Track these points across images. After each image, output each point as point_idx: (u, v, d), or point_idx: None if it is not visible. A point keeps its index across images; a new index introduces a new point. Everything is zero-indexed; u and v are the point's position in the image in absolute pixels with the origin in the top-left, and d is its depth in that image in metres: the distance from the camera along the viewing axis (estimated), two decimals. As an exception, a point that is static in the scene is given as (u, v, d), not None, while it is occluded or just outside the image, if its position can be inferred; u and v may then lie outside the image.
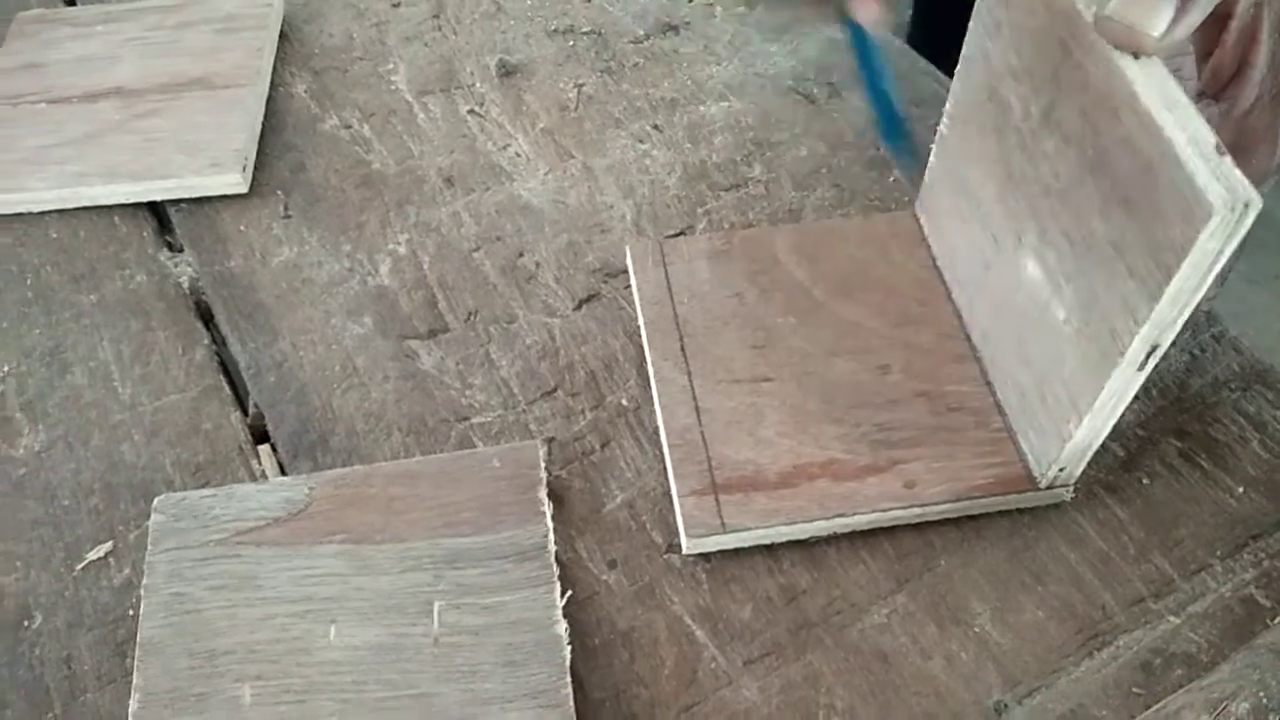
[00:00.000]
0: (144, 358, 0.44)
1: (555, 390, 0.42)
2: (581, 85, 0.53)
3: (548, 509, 0.37)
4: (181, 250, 0.48)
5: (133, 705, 0.33)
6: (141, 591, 0.36)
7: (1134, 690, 0.32)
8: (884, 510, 0.36)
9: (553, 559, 0.36)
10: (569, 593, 0.36)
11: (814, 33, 0.53)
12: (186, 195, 0.49)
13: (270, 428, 0.41)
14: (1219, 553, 0.36)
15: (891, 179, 0.47)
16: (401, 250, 0.47)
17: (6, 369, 0.44)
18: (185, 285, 0.47)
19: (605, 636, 0.35)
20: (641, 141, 0.50)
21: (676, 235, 0.46)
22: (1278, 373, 0.40)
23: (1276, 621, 0.34)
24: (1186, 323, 0.29)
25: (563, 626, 0.34)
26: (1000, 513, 0.37)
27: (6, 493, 0.40)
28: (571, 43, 0.55)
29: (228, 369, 0.44)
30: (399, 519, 0.37)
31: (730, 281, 0.43)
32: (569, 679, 0.33)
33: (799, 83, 0.52)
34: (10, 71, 0.55)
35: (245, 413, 0.42)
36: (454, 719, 0.32)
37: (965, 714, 0.32)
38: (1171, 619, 0.34)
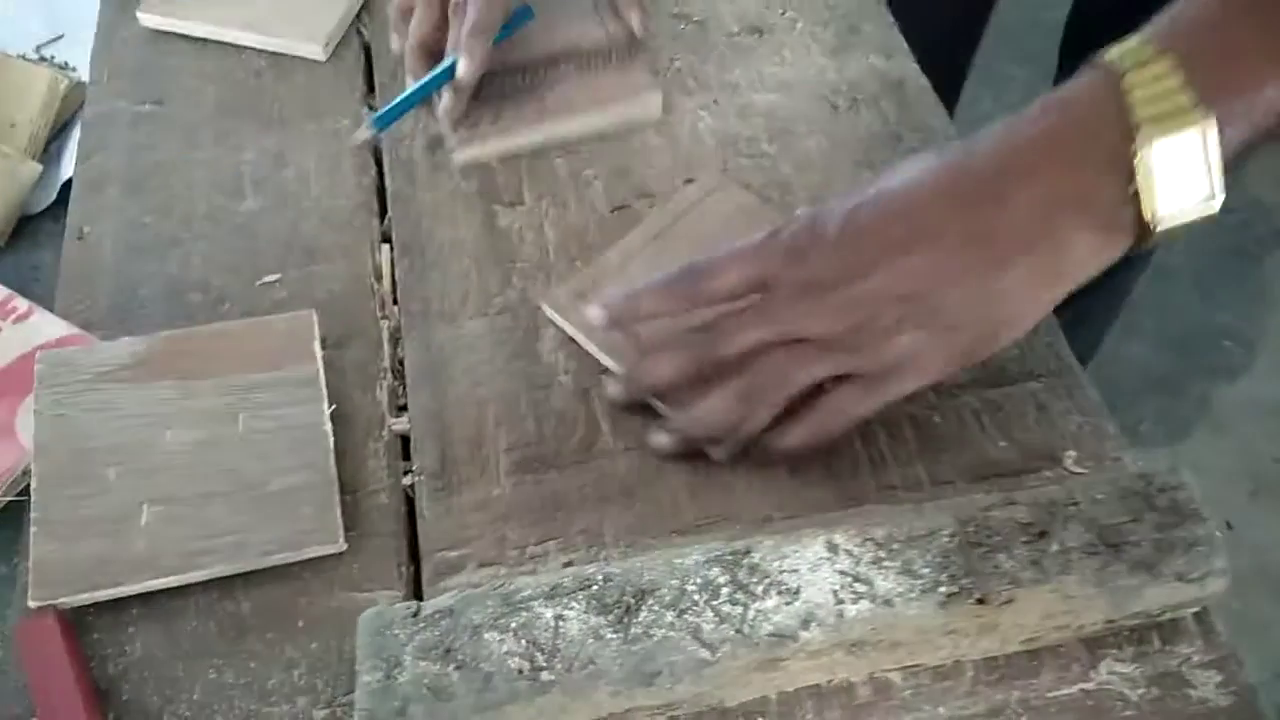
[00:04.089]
0: (333, 172, 0.66)
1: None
2: (674, 59, 0.70)
3: (319, 354, 0.55)
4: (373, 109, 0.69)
5: (34, 484, 0.50)
6: (32, 413, 0.52)
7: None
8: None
9: (323, 387, 0.54)
10: (334, 406, 0.54)
11: (862, 59, 0.70)
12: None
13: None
14: (965, 478, 0.51)
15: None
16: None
17: (249, 156, 0.67)
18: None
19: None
20: (702, 109, 0.67)
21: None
22: (1078, 377, 0.55)
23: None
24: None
25: (328, 425, 0.53)
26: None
27: (229, 231, 0.63)
28: (682, 26, 0.72)
29: (383, 197, 0.66)
30: (214, 363, 0.54)
31: None
32: (332, 457, 0.52)
33: (832, 93, 0.68)
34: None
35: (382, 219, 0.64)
36: (254, 482, 0.51)
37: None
38: (905, 505, 0.49)
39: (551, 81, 0.68)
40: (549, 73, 0.68)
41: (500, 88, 0.67)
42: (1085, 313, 1.13)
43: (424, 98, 0.65)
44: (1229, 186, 0.44)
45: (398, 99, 0.65)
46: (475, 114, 0.66)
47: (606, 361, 0.57)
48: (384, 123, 0.65)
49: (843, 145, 0.66)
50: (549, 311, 0.59)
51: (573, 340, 0.58)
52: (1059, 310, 0.58)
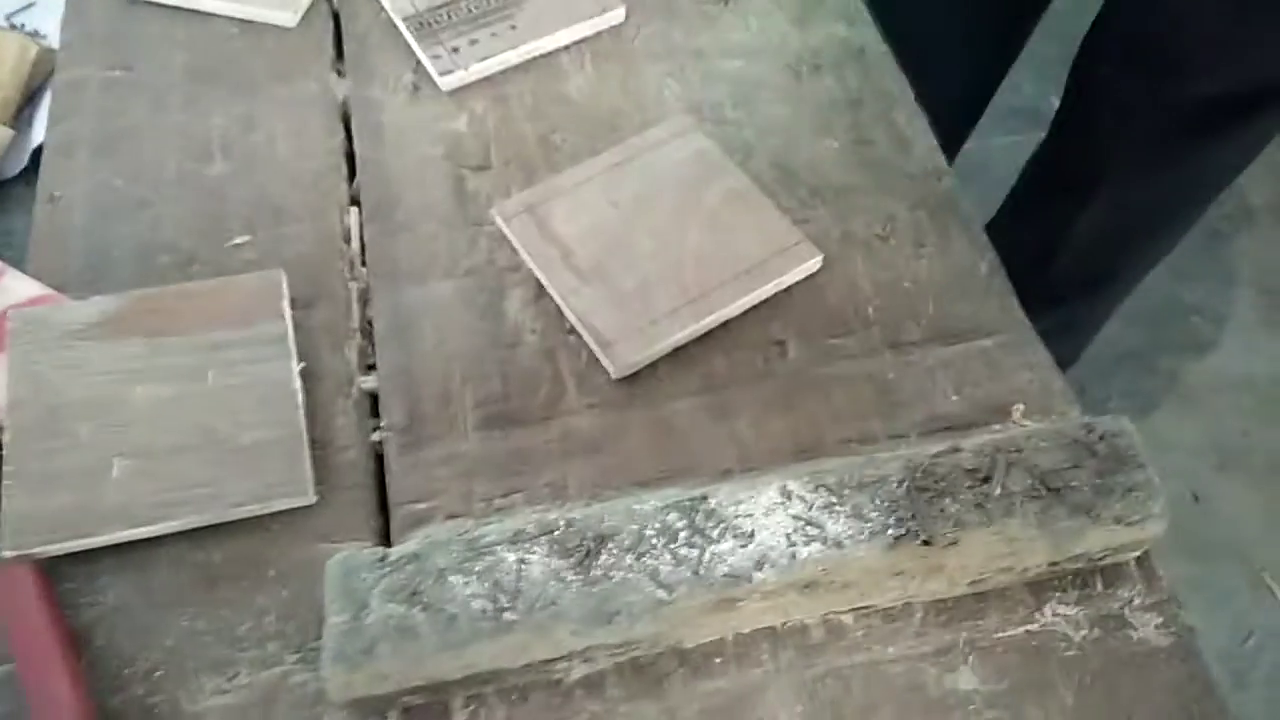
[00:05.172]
0: (302, 136, 0.66)
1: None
2: (642, 26, 0.71)
3: (288, 313, 0.56)
4: (342, 75, 0.70)
5: (6, 438, 0.51)
6: (7, 372, 0.53)
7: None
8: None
9: (291, 344, 0.55)
10: (303, 364, 0.55)
11: (825, 26, 0.71)
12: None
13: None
14: (918, 431, 0.53)
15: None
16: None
17: (219, 121, 0.67)
18: (340, 97, 0.68)
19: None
20: (669, 75, 0.68)
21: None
22: (1028, 334, 0.56)
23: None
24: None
25: (297, 382, 0.54)
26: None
27: (198, 194, 0.64)
28: None
29: (352, 161, 0.66)
30: (183, 321, 0.55)
31: None
32: (302, 412, 0.53)
33: (795, 60, 0.69)
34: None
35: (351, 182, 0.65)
36: (224, 437, 0.52)
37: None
38: (858, 456, 0.51)
39: (519, 1, 0.71)
40: None
41: (473, 16, 0.70)
42: (1069, 322, 1.14)
43: None
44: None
45: None
46: (453, 41, 0.68)
47: (544, 278, 0.59)
48: None
49: (805, 111, 0.67)
50: (497, 219, 0.61)
51: (521, 261, 0.60)
52: (1043, 317, 0.60)
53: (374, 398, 0.57)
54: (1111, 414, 0.48)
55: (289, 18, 0.71)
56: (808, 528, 0.44)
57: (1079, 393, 0.56)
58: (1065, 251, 1.01)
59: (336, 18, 0.73)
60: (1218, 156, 0.90)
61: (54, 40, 0.77)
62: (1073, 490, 0.45)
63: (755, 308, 0.59)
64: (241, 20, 0.72)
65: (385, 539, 0.52)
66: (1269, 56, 0.79)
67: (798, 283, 0.59)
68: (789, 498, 0.45)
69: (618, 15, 0.71)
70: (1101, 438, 0.46)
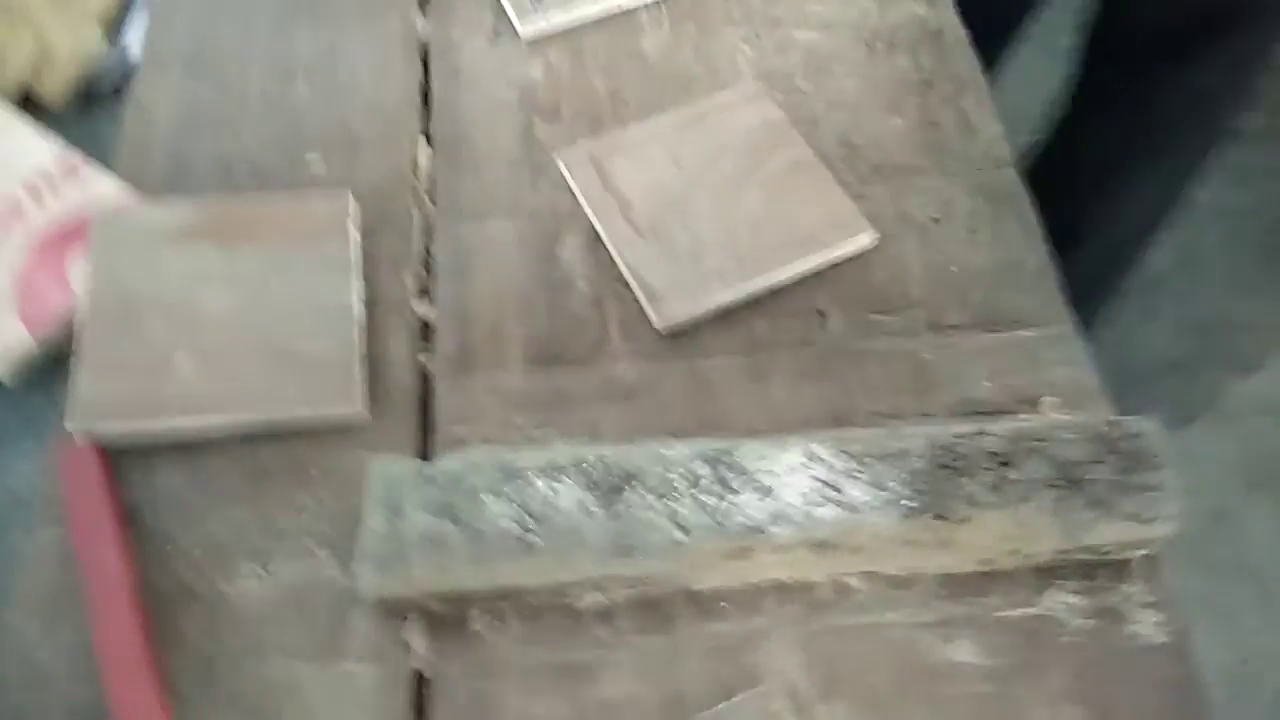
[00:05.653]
0: (382, 68, 0.69)
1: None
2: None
3: (354, 233, 0.59)
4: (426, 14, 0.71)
5: (81, 325, 0.54)
6: (87, 265, 0.56)
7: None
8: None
9: (354, 263, 0.58)
10: (364, 285, 0.58)
11: (904, 5, 0.71)
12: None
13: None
14: (948, 413, 0.53)
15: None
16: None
17: (304, 46, 0.69)
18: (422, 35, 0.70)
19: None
20: (744, 41, 0.69)
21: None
22: (1070, 329, 0.57)
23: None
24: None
25: (357, 299, 0.57)
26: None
27: (279, 114, 0.66)
28: None
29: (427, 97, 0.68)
30: (255, 231, 0.58)
31: None
32: (357, 328, 0.56)
33: (871, 36, 0.70)
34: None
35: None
36: (283, 344, 0.55)
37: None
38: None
39: None
40: None
41: None
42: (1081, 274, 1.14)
43: None
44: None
45: None
46: None
47: (600, 228, 0.60)
48: None
49: (875, 88, 0.68)
50: (561, 165, 0.63)
51: (580, 208, 0.62)
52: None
53: (427, 325, 0.59)
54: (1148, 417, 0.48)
55: (381, -51, 0.73)
56: (827, 490, 0.46)
57: (1117, 398, 0.56)
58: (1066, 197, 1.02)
59: (428, -48, 0.75)
60: (1187, 84, 0.92)
61: (155, -47, 0.79)
62: (1091, 483, 0.46)
63: (803, 277, 0.60)
64: (335, -52, 0.74)
65: (425, 456, 0.55)
66: None
67: (848, 257, 0.61)
68: (812, 459, 0.47)
69: None
70: (1125, 436, 0.47)
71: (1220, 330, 1.53)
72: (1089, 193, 1.05)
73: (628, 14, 0.71)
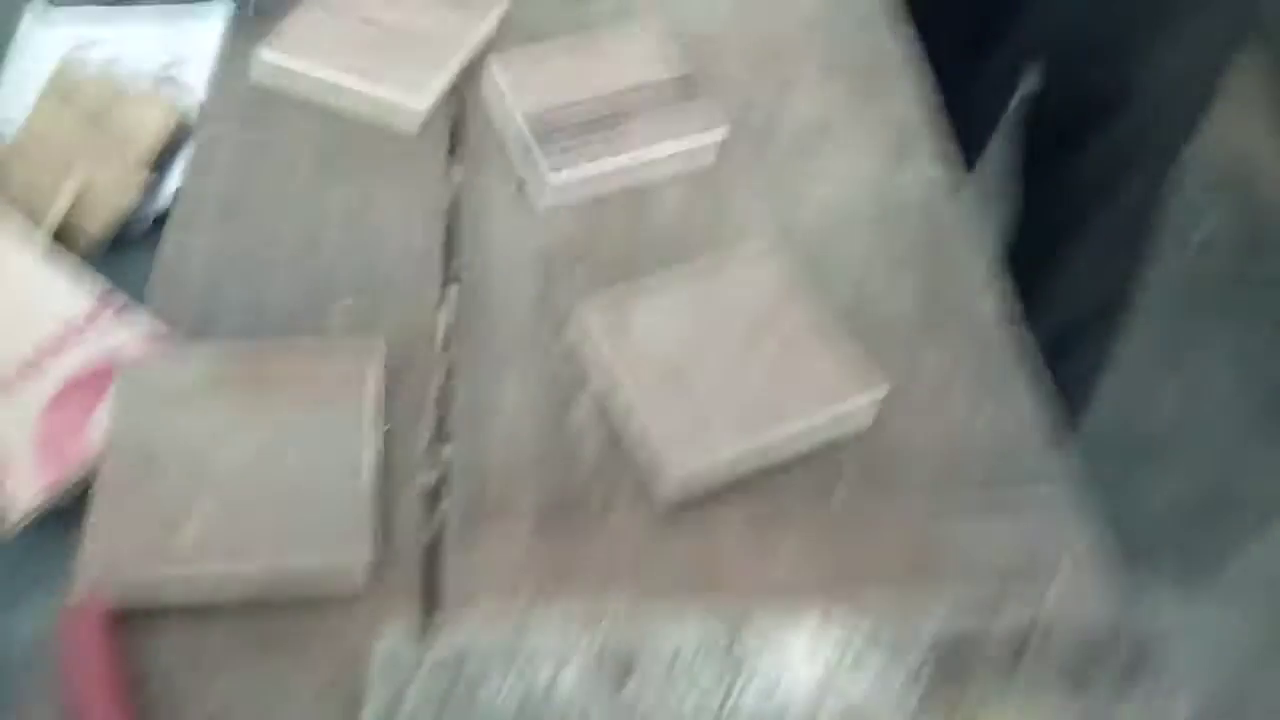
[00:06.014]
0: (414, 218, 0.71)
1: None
2: (740, 147, 0.74)
3: (378, 385, 0.60)
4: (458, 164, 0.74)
5: (97, 480, 0.55)
6: (109, 416, 0.57)
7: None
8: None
9: (377, 418, 0.59)
10: (387, 426, 0.59)
11: (916, 168, 0.74)
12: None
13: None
14: (959, 577, 0.54)
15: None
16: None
17: (340, 193, 0.71)
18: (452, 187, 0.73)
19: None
20: (760, 198, 0.71)
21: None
22: (1082, 496, 0.58)
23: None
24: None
25: (375, 457, 0.57)
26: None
27: (311, 260, 0.68)
28: (750, 116, 0.75)
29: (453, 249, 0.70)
30: (281, 380, 0.59)
31: None
32: (373, 486, 0.56)
33: (883, 197, 0.71)
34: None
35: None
36: (298, 498, 0.55)
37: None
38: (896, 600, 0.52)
39: (629, 113, 0.75)
40: (625, 105, 0.75)
41: (585, 123, 0.74)
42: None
43: None
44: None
45: None
46: (564, 144, 0.73)
47: (614, 383, 0.61)
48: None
49: (887, 247, 0.69)
50: (579, 322, 0.64)
51: (595, 365, 0.63)
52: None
53: (440, 478, 0.60)
54: (1154, 594, 0.48)
55: (419, 102, 0.76)
56: (839, 670, 0.45)
57: (1128, 553, 0.56)
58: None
59: (461, 111, 0.78)
60: (1080, 166, 1.02)
61: (199, 97, 0.84)
62: (1095, 685, 0.45)
63: (814, 438, 0.60)
64: (373, 101, 0.78)
65: (429, 624, 0.54)
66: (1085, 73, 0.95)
67: (858, 417, 0.61)
68: (825, 635, 0.46)
69: (719, 134, 0.75)
70: (1132, 637, 0.47)
71: (1228, 500, 1.51)
72: (1026, 278, 1.10)
73: (649, 167, 0.74)
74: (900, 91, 0.78)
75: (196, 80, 0.89)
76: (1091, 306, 1.16)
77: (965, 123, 0.82)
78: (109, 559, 0.53)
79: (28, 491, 0.57)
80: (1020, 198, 1.14)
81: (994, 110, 1.16)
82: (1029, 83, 1.07)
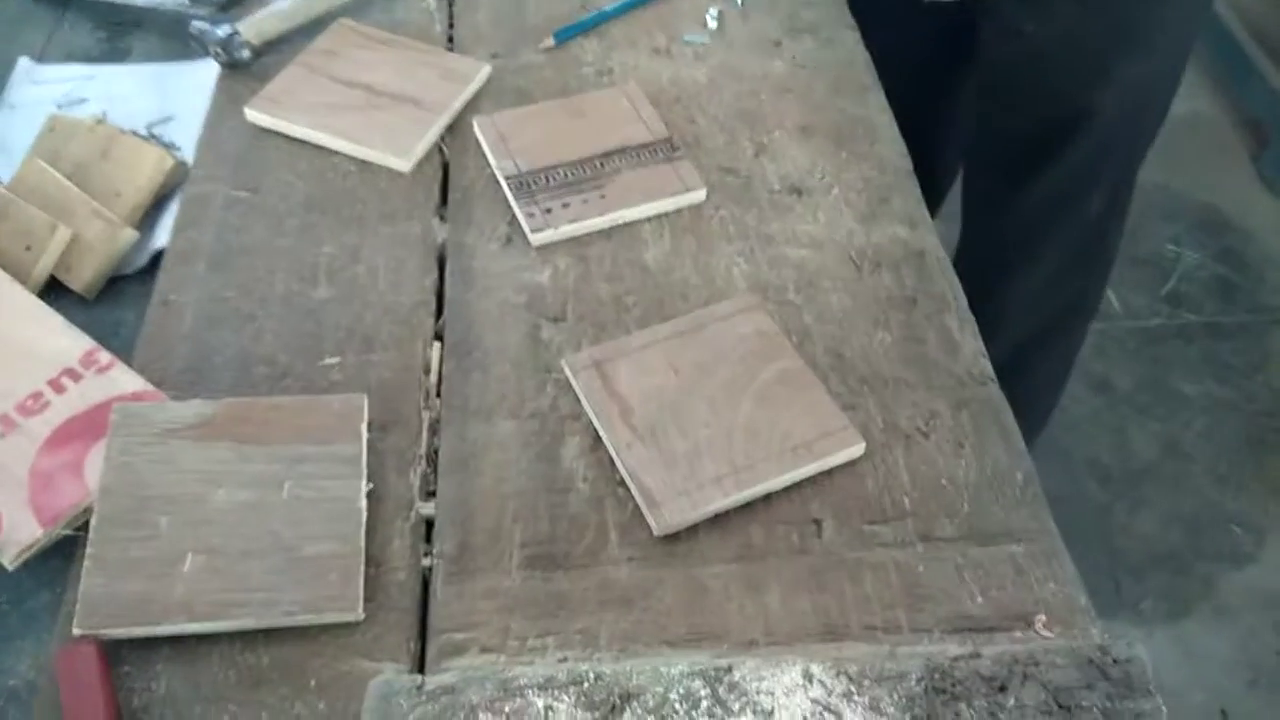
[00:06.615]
0: (400, 272, 0.73)
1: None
2: (719, 208, 0.77)
3: (364, 436, 0.61)
4: (443, 220, 0.77)
5: (93, 522, 0.55)
6: (103, 460, 0.57)
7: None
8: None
9: (363, 467, 0.60)
10: (371, 485, 0.60)
11: (889, 227, 0.76)
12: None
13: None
14: (942, 628, 0.55)
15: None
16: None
17: (328, 249, 0.74)
18: (439, 240, 0.75)
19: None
20: (739, 255, 0.74)
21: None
22: (1057, 545, 0.59)
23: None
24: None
25: (363, 502, 0.58)
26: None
27: (299, 314, 0.70)
28: (728, 179, 0.79)
29: (441, 299, 0.72)
30: (270, 432, 0.60)
31: None
32: (363, 532, 0.57)
33: (858, 255, 0.74)
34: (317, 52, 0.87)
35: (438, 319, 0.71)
36: (289, 545, 0.56)
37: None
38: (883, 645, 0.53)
39: (610, 173, 0.78)
40: (606, 166, 0.78)
41: (568, 182, 0.77)
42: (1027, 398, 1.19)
43: (601, 21, 0.89)
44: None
45: (586, 17, 0.88)
46: (548, 202, 0.75)
47: (601, 431, 0.63)
48: (564, 37, 0.87)
49: (862, 303, 0.72)
50: (566, 370, 0.66)
51: (582, 411, 0.64)
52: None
53: (429, 524, 0.61)
54: (1143, 616, 0.49)
55: (404, 163, 0.79)
56: (826, 714, 0.46)
57: (1113, 590, 0.57)
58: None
59: (446, 168, 0.81)
60: (1045, 184, 1.04)
61: (187, 153, 0.85)
62: (1083, 710, 0.46)
63: (797, 485, 0.62)
64: (360, 160, 0.80)
65: (421, 662, 0.55)
66: (1046, 99, 0.98)
67: (839, 466, 0.63)
68: (810, 680, 0.47)
69: (699, 195, 0.77)
70: (1116, 661, 0.48)
71: (1210, 522, 1.55)
72: (976, 294, 1.13)
73: (631, 226, 0.76)
74: (872, 154, 0.81)
75: (184, 137, 0.90)
76: (1053, 317, 1.18)
77: (931, 172, 0.85)
78: (102, 608, 0.52)
79: (24, 529, 0.57)
80: (973, 218, 1.16)
81: (956, 156, 1.21)
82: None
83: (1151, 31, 0.93)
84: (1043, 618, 0.55)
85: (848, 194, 0.79)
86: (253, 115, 0.82)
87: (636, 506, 0.60)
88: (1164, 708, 0.47)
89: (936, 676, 0.47)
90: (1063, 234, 1.09)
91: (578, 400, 0.65)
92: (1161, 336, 1.71)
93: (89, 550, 0.54)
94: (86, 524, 0.57)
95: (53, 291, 0.78)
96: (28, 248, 0.76)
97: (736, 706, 0.46)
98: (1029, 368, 1.20)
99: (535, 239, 0.74)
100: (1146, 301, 1.76)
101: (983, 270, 1.13)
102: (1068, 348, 1.24)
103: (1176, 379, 1.66)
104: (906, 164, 0.81)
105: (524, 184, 0.77)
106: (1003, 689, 0.47)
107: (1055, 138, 1.00)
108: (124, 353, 0.68)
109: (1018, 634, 0.55)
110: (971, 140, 1.12)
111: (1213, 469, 1.63)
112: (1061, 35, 0.92)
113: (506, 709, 0.46)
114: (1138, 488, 1.52)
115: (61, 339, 0.67)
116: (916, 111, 0.89)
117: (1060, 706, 0.46)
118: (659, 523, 0.59)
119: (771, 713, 0.46)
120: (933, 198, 1.20)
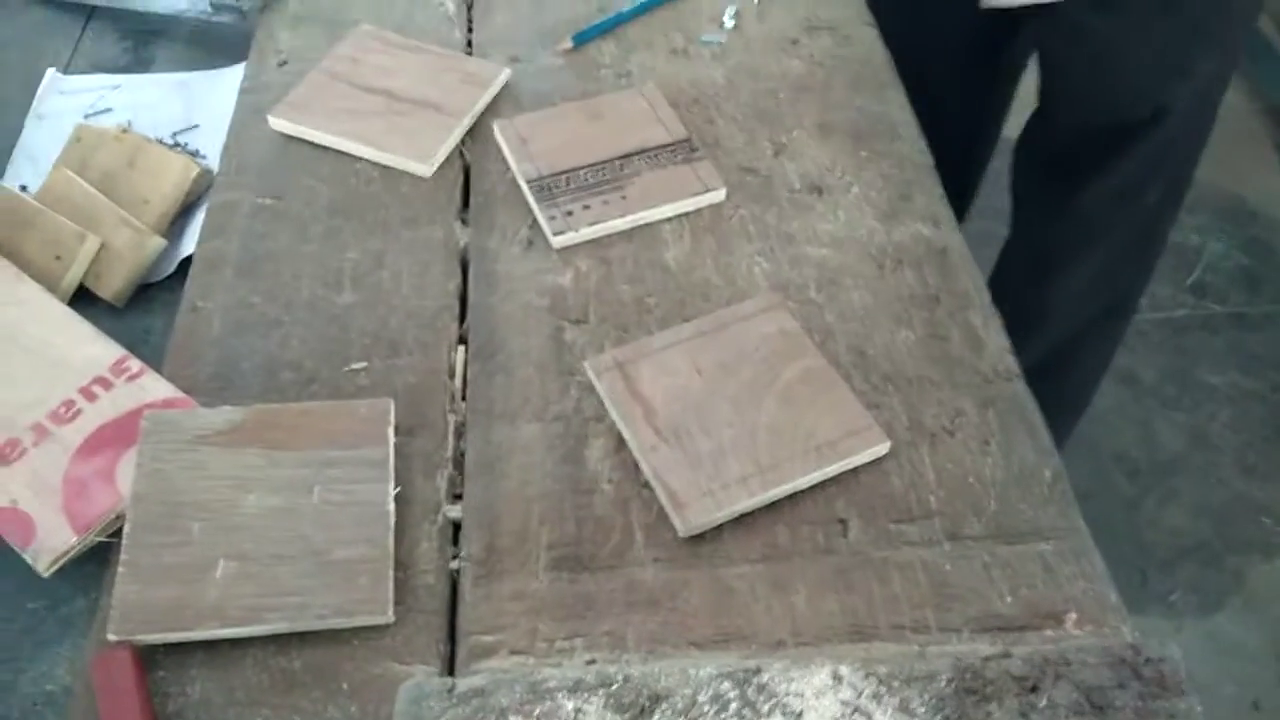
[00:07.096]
0: (424, 276, 0.73)
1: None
2: (739, 208, 0.77)
3: (391, 440, 0.61)
4: (465, 224, 0.77)
5: (126, 529, 0.56)
6: (135, 467, 0.58)
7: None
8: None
9: (391, 470, 0.60)
10: (399, 488, 0.60)
11: (911, 225, 0.76)
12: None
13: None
14: (971, 628, 0.54)
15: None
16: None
17: (352, 254, 0.75)
18: (461, 244, 0.76)
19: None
20: (760, 255, 0.74)
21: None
22: (1086, 543, 0.59)
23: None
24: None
25: (391, 505, 0.58)
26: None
27: (325, 320, 0.70)
28: (749, 179, 0.79)
29: (464, 303, 0.72)
30: (298, 437, 0.61)
31: None
32: (392, 535, 0.57)
33: (879, 253, 0.74)
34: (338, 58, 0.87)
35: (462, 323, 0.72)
36: (319, 549, 0.56)
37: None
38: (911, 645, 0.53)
39: (630, 175, 0.78)
40: (626, 167, 0.79)
41: (588, 184, 0.77)
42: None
43: (619, 23, 0.89)
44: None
45: (604, 19, 0.89)
46: (569, 205, 0.75)
47: (625, 432, 0.63)
48: (582, 39, 0.87)
49: (884, 301, 0.72)
50: (589, 372, 0.66)
51: (605, 413, 0.65)
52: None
53: (456, 527, 0.61)
54: (1172, 609, 0.49)
55: (425, 168, 0.79)
56: (855, 715, 0.46)
57: (1141, 583, 0.57)
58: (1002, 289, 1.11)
59: (467, 172, 0.81)
60: (1109, 181, 1.02)
61: (212, 161, 0.86)
62: (1116, 710, 0.46)
63: (822, 485, 0.62)
64: (383, 166, 0.80)
65: (451, 664, 0.56)
66: (1122, 97, 0.96)
67: (864, 465, 0.63)
68: (840, 681, 0.47)
69: (718, 195, 0.77)
70: (1149, 660, 0.48)
71: (1239, 515, 1.54)
72: (1025, 290, 1.14)
73: (652, 227, 0.76)
74: (892, 152, 0.81)
75: (208, 144, 0.91)
76: (1094, 318, 1.17)
77: (956, 172, 0.85)
78: (137, 613, 0.53)
79: (58, 536, 0.58)
80: (1027, 216, 1.15)
81: (985, 157, 1.20)
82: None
83: (1222, 26, 0.93)
84: (1073, 616, 0.55)
85: (868, 192, 0.78)
86: (276, 122, 0.83)
87: (661, 508, 0.61)
88: (1199, 707, 0.47)
89: (967, 676, 0.47)
90: (1119, 229, 1.08)
91: (601, 402, 0.65)
92: (1187, 327, 1.70)
93: (123, 557, 0.55)
94: (120, 530, 0.57)
95: (82, 300, 0.80)
96: (57, 257, 0.77)
97: (765, 708, 0.46)
98: (1071, 365, 1.19)
99: (556, 241, 0.74)
100: (1171, 292, 1.74)
101: (1031, 267, 1.14)
102: (1107, 347, 1.22)
103: (1202, 370, 1.65)
104: (928, 161, 0.81)
105: (545, 187, 0.77)
106: (1034, 689, 0.47)
107: (1127, 135, 0.98)
108: (153, 359, 0.69)
109: (1048, 633, 0.55)
110: (1025, 138, 1.10)
111: (1240, 460, 1.62)
112: (1138, 33, 0.91)
113: (536, 712, 0.47)
114: (1165, 480, 1.51)
115: (92, 347, 0.68)
116: (951, 108, 0.89)
117: (1093, 706, 0.46)
118: (684, 523, 0.59)
119: (801, 714, 0.46)
120: (963, 195, 1.19)
